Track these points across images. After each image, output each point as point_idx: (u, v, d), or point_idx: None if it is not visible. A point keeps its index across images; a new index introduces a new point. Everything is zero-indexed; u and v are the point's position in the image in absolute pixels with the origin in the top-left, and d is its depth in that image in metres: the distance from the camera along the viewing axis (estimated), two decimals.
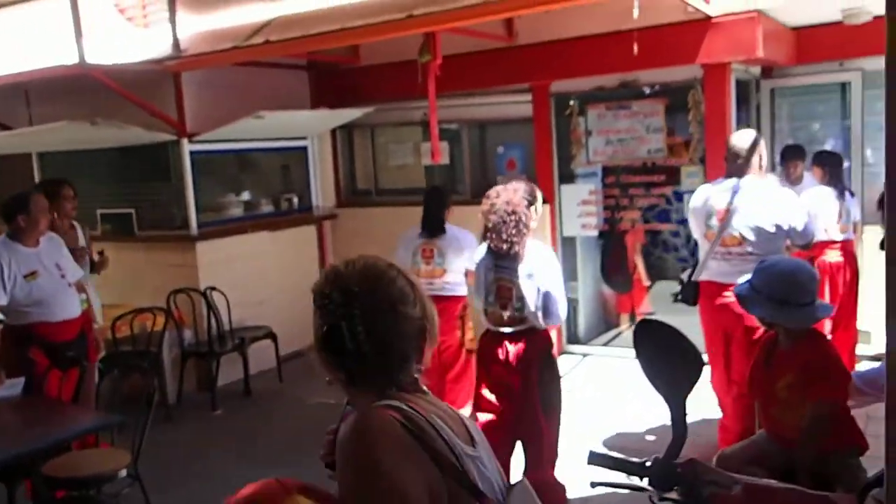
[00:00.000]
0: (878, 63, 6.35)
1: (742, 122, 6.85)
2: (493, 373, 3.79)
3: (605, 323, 7.47)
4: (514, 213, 3.62)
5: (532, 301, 3.67)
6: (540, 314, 3.69)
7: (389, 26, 5.22)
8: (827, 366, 2.68)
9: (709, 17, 5.74)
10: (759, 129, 7.36)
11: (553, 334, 3.96)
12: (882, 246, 2.99)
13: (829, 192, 5.94)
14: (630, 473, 1.80)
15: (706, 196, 4.49)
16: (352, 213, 8.01)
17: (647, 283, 7.26)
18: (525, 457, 3.81)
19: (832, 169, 6.04)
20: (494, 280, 3.74)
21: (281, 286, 7.34)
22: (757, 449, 2.68)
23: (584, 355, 6.96)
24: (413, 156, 7.77)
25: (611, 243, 7.18)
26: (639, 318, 7.34)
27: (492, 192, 3.78)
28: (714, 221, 4.37)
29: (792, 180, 6.21)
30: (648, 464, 1.74)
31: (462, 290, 5.26)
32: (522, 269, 3.67)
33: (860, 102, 6.99)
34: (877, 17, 5.93)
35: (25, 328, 4.57)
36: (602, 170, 6.90)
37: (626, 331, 7.32)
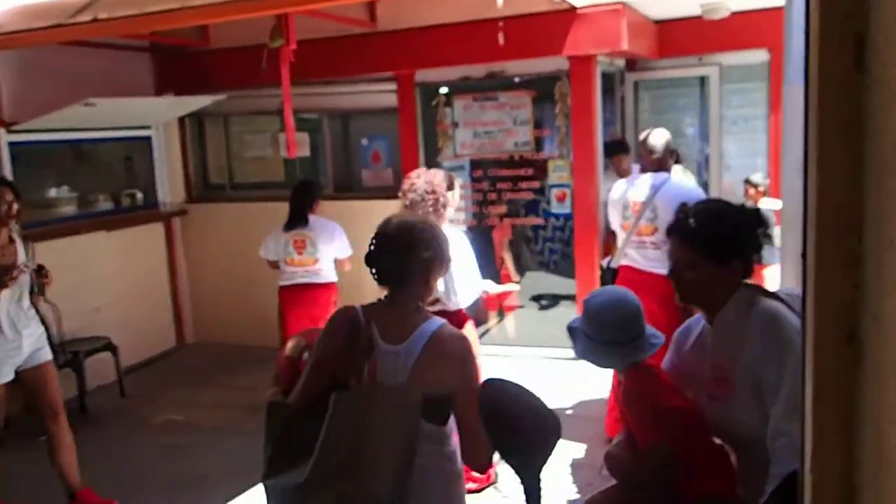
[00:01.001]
0: (734, 58, 6.46)
1: (607, 115, 6.82)
2: None
3: (475, 320, 7.26)
4: (433, 192, 3.92)
5: (442, 281, 3.84)
6: (448, 295, 3.90)
7: (235, 7, 4.71)
8: (645, 406, 2.26)
9: (574, 8, 5.59)
10: (623, 120, 7.38)
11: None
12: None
13: None
14: None
15: (623, 189, 4.76)
16: (204, 209, 7.41)
17: (515, 278, 7.11)
18: None
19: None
20: None
21: (122, 291, 6.69)
22: (628, 495, 2.42)
23: None
24: (271, 147, 7.27)
25: (476, 238, 6.94)
26: (505, 312, 7.21)
27: (413, 173, 4.12)
28: (630, 213, 4.63)
29: (619, 174, 6.26)
30: None
31: (334, 277, 5.52)
32: None
33: (718, 96, 7.11)
34: (735, 13, 5.99)
35: None
36: (470, 163, 6.67)
37: (494, 327, 7.16)
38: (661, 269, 4.41)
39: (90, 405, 5.91)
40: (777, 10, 5.42)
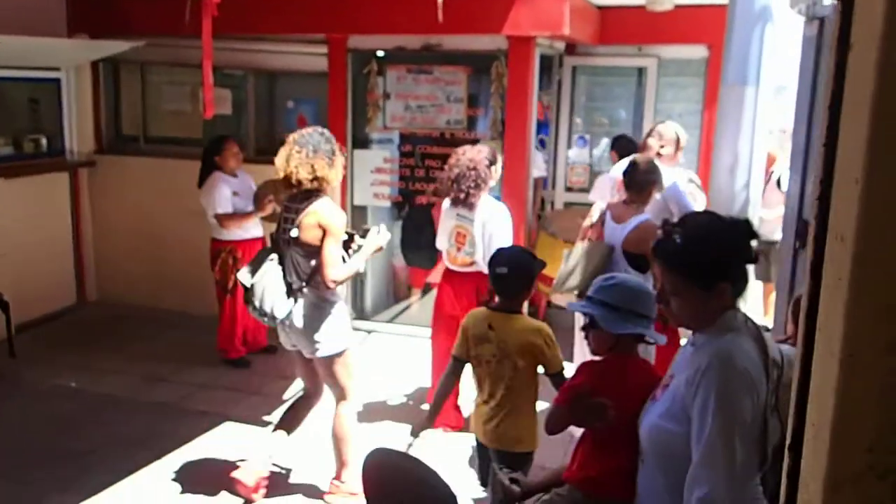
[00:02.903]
0: (674, 52, 6.40)
1: (543, 97, 6.69)
2: (444, 305, 4.64)
3: (394, 297, 7.11)
4: (475, 168, 4.35)
5: (481, 247, 4.38)
6: (484, 260, 4.26)
7: None
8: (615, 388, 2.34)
9: None
10: (558, 104, 7.27)
11: None
12: None
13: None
14: None
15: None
16: (114, 162, 6.97)
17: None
18: None
19: (626, 154, 6.01)
20: (454, 227, 4.50)
21: (19, 243, 6.26)
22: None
23: (370, 332, 6.56)
24: (191, 101, 6.86)
25: (413, 215, 6.69)
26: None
27: (459, 149, 4.53)
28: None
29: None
30: None
31: (216, 234, 5.65)
32: (477, 219, 4.39)
33: (654, 89, 7.06)
34: (678, 7, 5.91)
35: None
36: (399, 137, 6.45)
37: (416, 304, 7.01)
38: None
39: None
40: (720, 7, 5.37)
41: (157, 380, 5.49)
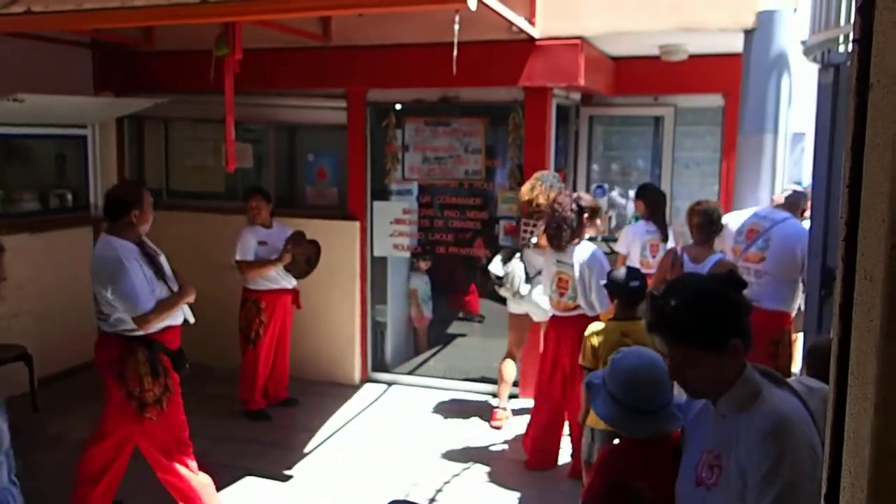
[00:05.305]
0: (690, 101, 6.44)
1: (560, 148, 6.73)
2: (548, 350, 4.83)
3: (414, 348, 7.08)
4: (560, 212, 4.58)
5: (581, 292, 4.57)
6: (587, 303, 4.58)
7: (180, 10, 4.48)
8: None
9: (533, 39, 5.48)
10: (576, 154, 7.31)
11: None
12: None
13: (642, 227, 5.92)
14: None
15: (741, 218, 5.04)
16: None
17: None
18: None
19: (654, 204, 6.03)
20: (556, 273, 4.71)
21: (43, 297, 6.30)
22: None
23: (390, 384, 6.51)
24: (213, 156, 6.97)
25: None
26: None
27: (553, 193, 4.92)
28: (742, 238, 4.97)
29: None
30: None
31: (247, 283, 5.74)
32: (576, 265, 4.57)
33: (672, 137, 7.09)
34: (692, 57, 5.97)
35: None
36: (418, 188, 6.51)
37: (437, 356, 6.97)
38: (757, 301, 4.66)
39: None
40: (734, 57, 5.43)
41: None
